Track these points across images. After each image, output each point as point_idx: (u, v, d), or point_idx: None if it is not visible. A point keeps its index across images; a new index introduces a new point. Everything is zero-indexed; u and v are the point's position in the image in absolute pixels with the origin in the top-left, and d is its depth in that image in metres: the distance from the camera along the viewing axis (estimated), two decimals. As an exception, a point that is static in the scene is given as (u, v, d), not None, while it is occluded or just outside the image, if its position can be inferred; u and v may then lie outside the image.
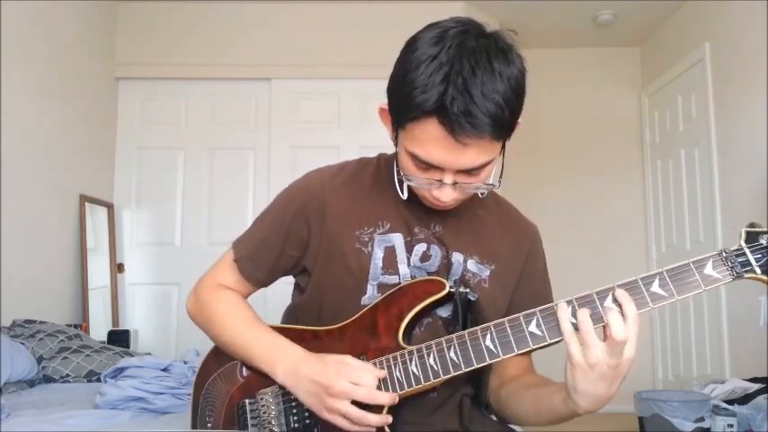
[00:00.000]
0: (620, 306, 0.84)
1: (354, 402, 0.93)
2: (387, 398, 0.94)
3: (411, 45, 0.92)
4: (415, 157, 0.93)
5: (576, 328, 0.85)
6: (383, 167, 1.12)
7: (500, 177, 0.98)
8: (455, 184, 0.94)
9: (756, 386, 2.40)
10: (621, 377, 0.84)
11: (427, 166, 0.92)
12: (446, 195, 0.95)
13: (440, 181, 0.93)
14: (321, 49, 3.81)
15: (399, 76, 0.91)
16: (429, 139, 0.89)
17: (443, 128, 0.86)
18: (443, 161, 0.90)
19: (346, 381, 0.93)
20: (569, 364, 0.85)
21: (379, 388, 0.95)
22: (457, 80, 0.85)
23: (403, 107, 0.90)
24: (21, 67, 2.88)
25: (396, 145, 0.99)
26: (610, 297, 0.86)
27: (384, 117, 1.02)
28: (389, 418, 0.94)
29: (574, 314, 0.86)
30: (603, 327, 0.84)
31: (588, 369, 0.83)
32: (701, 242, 3.66)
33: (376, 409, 0.94)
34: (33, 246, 2.97)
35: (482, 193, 1.00)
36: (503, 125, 0.89)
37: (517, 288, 1.11)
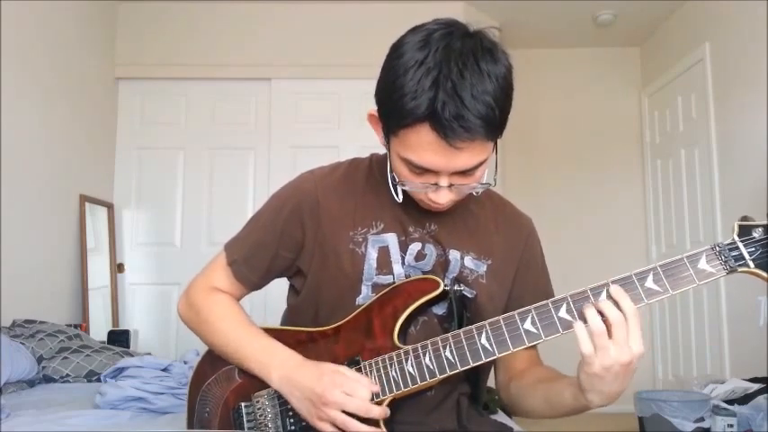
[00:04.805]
0: (616, 303, 0.84)
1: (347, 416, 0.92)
2: (379, 411, 0.93)
3: (397, 50, 0.91)
4: (409, 163, 0.92)
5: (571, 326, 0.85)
6: (376, 167, 1.12)
7: (495, 174, 0.97)
8: (451, 186, 0.94)
9: (756, 386, 2.39)
10: (632, 372, 0.85)
11: (422, 170, 0.92)
12: (443, 198, 0.95)
13: (435, 184, 0.94)
14: (321, 49, 3.81)
15: (388, 82, 0.90)
16: (422, 144, 0.89)
17: (436, 133, 0.86)
18: (438, 165, 0.90)
19: (340, 391, 0.92)
20: (584, 371, 0.85)
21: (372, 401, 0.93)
22: (446, 84, 0.85)
23: (394, 114, 0.90)
24: (21, 67, 2.88)
25: (388, 150, 0.99)
26: (604, 293, 0.86)
27: (374, 122, 1.01)
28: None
29: (570, 312, 0.87)
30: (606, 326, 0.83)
31: (604, 373, 0.83)
32: (701, 242, 3.65)
33: (369, 422, 0.93)
34: (33, 246, 2.97)
35: (477, 192, 1.00)
36: (494, 125, 0.88)
37: (516, 280, 1.11)
